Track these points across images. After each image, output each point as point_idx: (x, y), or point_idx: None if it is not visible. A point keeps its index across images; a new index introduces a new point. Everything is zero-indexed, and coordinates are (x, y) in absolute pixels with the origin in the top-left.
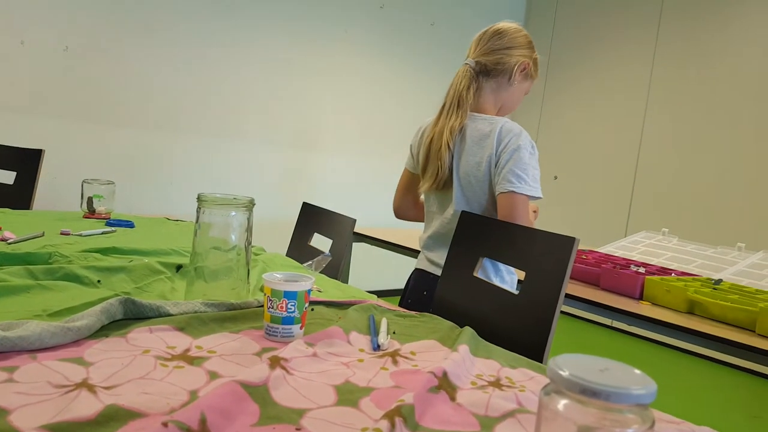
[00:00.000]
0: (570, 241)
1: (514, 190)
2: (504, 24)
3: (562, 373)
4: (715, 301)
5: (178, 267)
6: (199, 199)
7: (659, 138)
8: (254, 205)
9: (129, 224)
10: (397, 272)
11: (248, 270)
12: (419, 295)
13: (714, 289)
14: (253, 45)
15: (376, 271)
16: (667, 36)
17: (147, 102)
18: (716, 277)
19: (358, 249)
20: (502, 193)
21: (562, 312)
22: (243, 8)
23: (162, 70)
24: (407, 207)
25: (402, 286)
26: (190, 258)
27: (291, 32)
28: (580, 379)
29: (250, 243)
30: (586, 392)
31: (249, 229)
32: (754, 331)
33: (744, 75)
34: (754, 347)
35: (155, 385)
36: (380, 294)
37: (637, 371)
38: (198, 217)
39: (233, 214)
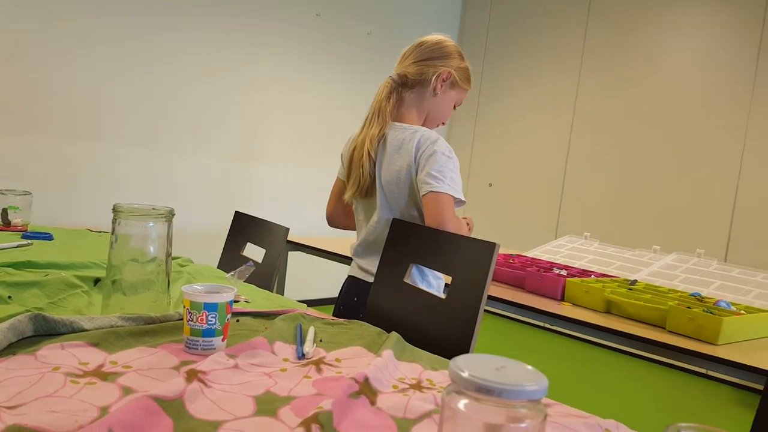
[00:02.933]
0: (491, 246)
1: (432, 189)
2: (429, 36)
3: (461, 373)
4: (630, 300)
5: (96, 280)
6: (114, 209)
7: (584, 148)
8: (174, 215)
9: (47, 236)
10: (334, 280)
11: (168, 282)
12: (351, 301)
13: (630, 289)
14: (183, 52)
15: (312, 279)
16: (592, 52)
17: (70, 108)
18: (633, 278)
19: (294, 258)
20: (424, 195)
21: (493, 313)
22: (173, 15)
23: (85, 77)
24: (339, 215)
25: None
26: (107, 271)
27: (224, 39)
28: (477, 378)
29: (170, 254)
30: (482, 390)
31: (169, 240)
32: (664, 328)
33: (660, 91)
34: (664, 343)
35: (64, 403)
36: (317, 302)
37: (530, 367)
38: (114, 229)
39: (151, 224)
